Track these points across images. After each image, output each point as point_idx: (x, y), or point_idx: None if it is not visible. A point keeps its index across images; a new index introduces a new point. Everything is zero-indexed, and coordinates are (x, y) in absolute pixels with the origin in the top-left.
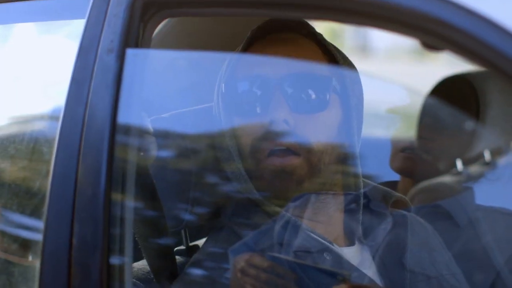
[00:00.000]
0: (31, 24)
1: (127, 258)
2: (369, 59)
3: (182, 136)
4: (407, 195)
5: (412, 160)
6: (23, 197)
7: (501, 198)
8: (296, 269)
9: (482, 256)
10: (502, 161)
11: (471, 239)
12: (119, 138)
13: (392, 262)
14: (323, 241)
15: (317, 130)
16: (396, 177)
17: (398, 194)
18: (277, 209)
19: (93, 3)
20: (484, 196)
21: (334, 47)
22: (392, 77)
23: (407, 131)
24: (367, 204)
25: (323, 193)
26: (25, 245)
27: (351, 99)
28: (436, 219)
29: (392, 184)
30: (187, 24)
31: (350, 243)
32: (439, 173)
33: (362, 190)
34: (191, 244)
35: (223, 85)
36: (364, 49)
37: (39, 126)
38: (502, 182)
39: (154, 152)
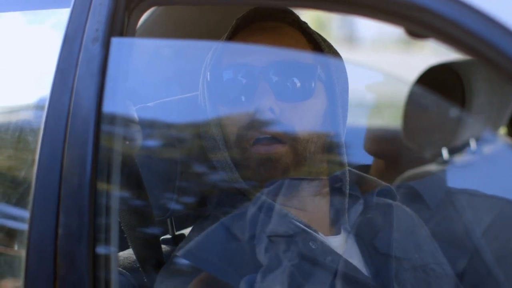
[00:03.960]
0: (16, 13)
1: (113, 248)
2: (356, 49)
3: (168, 125)
4: (392, 184)
5: (381, 140)
6: (9, 187)
7: (481, 183)
8: (277, 255)
9: (454, 236)
10: (482, 149)
11: (442, 220)
12: (105, 127)
13: (367, 245)
14: (308, 229)
15: (302, 118)
16: (369, 160)
17: (383, 183)
18: (257, 194)
19: None
20: (464, 180)
21: (319, 35)
22: (379, 66)
23: (391, 119)
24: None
25: (307, 180)
26: (10, 235)
27: (336, 87)
28: (406, 199)
29: (365, 168)
30: (173, 13)
31: (336, 232)
32: (425, 161)
33: (347, 179)
34: (177, 233)
35: (208, 73)
36: (351, 39)
37: (24, 115)
38: (483, 167)
39: (140, 141)
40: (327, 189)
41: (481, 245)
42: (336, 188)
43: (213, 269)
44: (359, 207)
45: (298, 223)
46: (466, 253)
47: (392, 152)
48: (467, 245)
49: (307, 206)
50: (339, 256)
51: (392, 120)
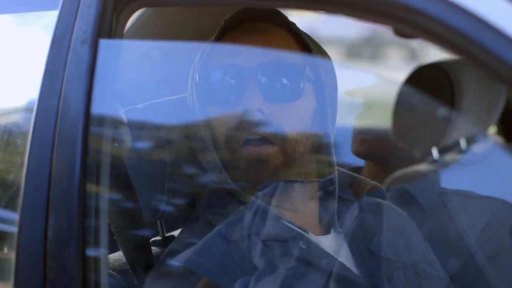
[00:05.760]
0: (4, 16)
1: (102, 250)
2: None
3: (157, 127)
4: (381, 182)
5: (369, 142)
6: None
7: (472, 182)
8: (271, 258)
9: (449, 239)
10: (473, 148)
11: (436, 222)
12: (93, 129)
13: (360, 248)
14: (298, 229)
15: (291, 119)
16: (361, 162)
17: (372, 182)
18: (252, 198)
19: None
20: (455, 180)
21: (308, 36)
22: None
23: (380, 119)
24: (338, 192)
25: (298, 182)
26: (0, 237)
27: (325, 88)
28: (400, 202)
29: (357, 170)
30: (162, 14)
31: (326, 231)
32: (414, 161)
33: (336, 179)
34: (167, 234)
35: (196, 75)
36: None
37: (13, 118)
38: (473, 167)
39: (129, 143)
40: (316, 189)
41: (475, 247)
42: (326, 189)
43: (214, 275)
44: (354, 211)
45: (291, 226)
46: (461, 255)
47: (383, 153)
48: (461, 247)
49: (298, 207)
50: (334, 259)
51: (382, 120)
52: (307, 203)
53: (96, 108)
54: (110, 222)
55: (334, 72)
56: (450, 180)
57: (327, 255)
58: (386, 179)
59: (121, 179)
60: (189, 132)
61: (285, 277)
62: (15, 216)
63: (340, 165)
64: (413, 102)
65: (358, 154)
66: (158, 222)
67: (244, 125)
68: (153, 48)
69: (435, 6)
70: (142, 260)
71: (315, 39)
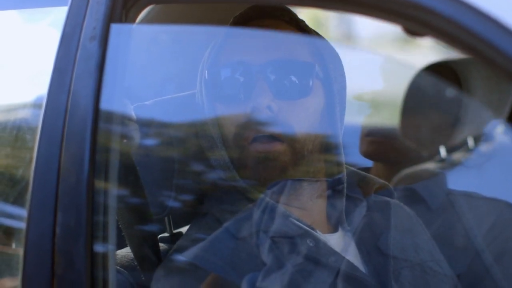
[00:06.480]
0: (13, 12)
1: (110, 246)
2: (354, 48)
3: (165, 124)
4: (390, 182)
5: (377, 144)
6: (6, 185)
7: (477, 184)
8: (279, 255)
9: (456, 238)
10: (480, 147)
11: (443, 222)
12: (102, 125)
13: (368, 246)
14: (306, 227)
15: (300, 117)
16: (369, 163)
17: (381, 181)
18: (261, 196)
19: None
20: (460, 182)
21: (317, 33)
22: (378, 65)
23: (383, 117)
24: (347, 191)
25: (306, 180)
26: (8, 233)
27: (334, 86)
28: (408, 202)
29: (366, 170)
30: (171, 11)
31: (334, 230)
32: (422, 160)
33: (345, 178)
34: (175, 231)
35: (206, 72)
36: (349, 37)
37: (22, 114)
38: (478, 169)
39: (137, 139)
40: (324, 187)
41: (482, 246)
42: (334, 187)
43: (222, 271)
44: (362, 209)
45: (299, 224)
46: (468, 254)
47: (391, 154)
48: (468, 246)
49: (306, 205)
50: (341, 257)
51: (390, 119)
52: (315, 201)
53: (105, 105)
54: (118, 219)
55: (343, 70)
56: (456, 180)
57: (334, 253)
58: (394, 178)
59: (129, 175)
60: (197, 129)
61: (292, 274)
62: (24, 212)
63: (349, 165)
64: (421, 100)
65: (366, 155)
66: (166, 218)
67: (252, 122)
68: (162, 43)
69: (445, 4)
70: (150, 257)
71: None
